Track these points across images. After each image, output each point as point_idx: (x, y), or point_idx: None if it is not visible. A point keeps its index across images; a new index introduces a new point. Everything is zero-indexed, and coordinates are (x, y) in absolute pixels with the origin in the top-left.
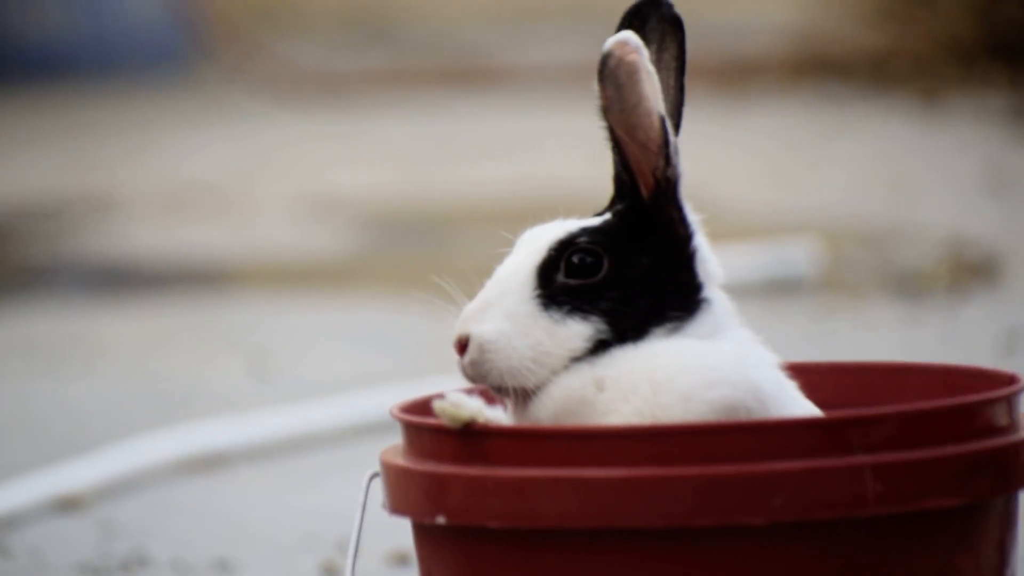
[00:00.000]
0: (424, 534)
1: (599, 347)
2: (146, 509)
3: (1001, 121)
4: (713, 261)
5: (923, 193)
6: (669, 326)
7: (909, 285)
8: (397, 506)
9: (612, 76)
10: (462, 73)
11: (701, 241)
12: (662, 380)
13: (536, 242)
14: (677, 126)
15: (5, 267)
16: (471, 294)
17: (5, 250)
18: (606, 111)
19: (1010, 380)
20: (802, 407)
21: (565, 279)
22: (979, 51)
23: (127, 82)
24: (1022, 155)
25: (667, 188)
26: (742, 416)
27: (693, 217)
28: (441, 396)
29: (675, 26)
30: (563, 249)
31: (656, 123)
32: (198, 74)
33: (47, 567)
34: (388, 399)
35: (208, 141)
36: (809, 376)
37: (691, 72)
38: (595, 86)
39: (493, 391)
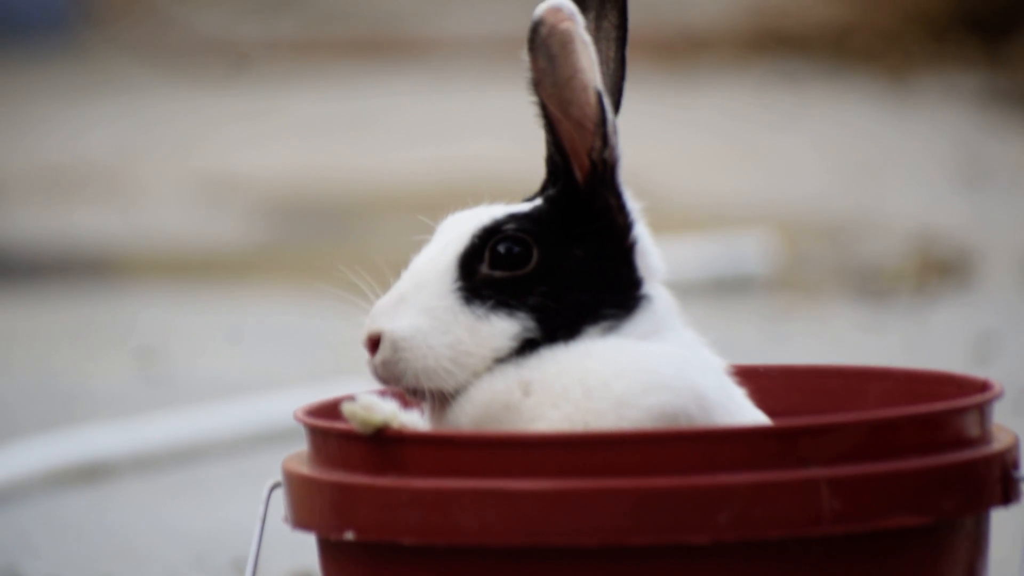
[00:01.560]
0: (331, 552)
1: (526, 347)
2: (19, 524)
3: (975, 102)
4: (655, 254)
5: (888, 182)
6: (604, 325)
7: (872, 284)
8: (301, 520)
9: (544, 46)
10: (377, 44)
11: (642, 231)
12: (595, 384)
13: (458, 229)
14: (616, 104)
15: None
16: (385, 287)
17: None
18: (537, 85)
19: (982, 387)
20: (750, 416)
21: (489, 270)
22: (951, 25)
23: (5, 50)
24: (997, 141)
25: (604, 172)
26: (683, 425)
27: (633, 205)
28: (351, 398)
29: None
30: (488, 237)
31: (592, 99)
32: (85, 42)
33: None
34: (292, 403)
35: (95, 116)
36: (759, 381)
37: (633, 44)
38: (525, 57)
39: (408, 394)
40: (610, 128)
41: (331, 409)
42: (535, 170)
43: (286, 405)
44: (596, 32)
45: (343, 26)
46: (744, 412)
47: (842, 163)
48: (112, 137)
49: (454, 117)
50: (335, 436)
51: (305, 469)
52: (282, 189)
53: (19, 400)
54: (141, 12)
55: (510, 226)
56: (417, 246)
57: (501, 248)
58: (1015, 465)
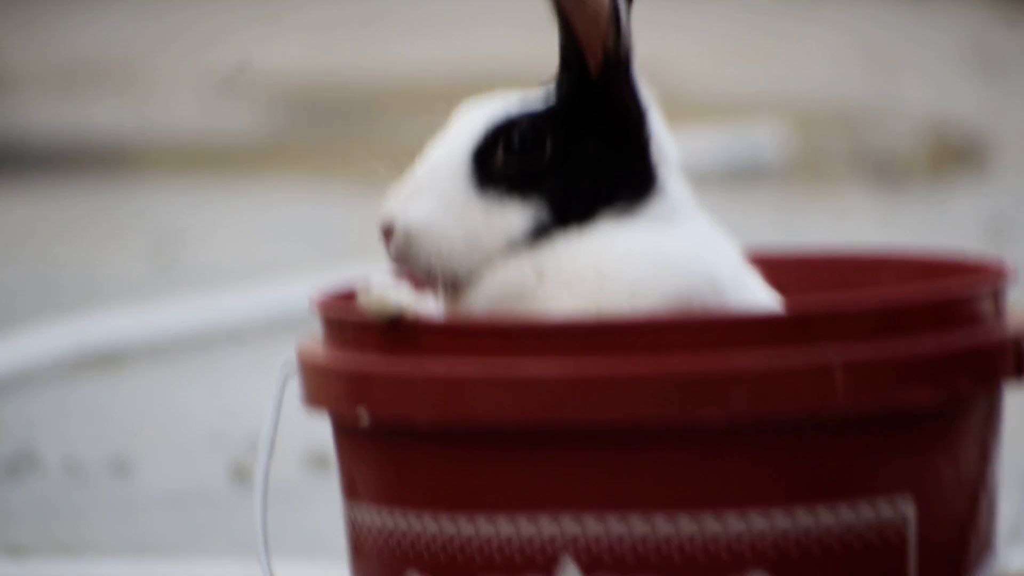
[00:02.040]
0: (345, 434)
1: (540, 234)
2: (36, 407)
3: None
4: (669, 143)
5: (902, 72)
6: (618, 211)
7: (887, 171)
8: (315, 401)
9: None
10: None
11: (655, 121)
12: (609, 269)
13: (473, 119)
14: None
15: None
16: (399, 176)
17: None
18: None
19: (997, 267)
20: (764, 299)
21: (503, 160)
22: None
23: None
24: (1010, 30)
25: (618, 63)
26: (697, 308)
27: (647, 94)
28: (366, 285)
29: None
30: (502, 128)
31: None
32: None
33: None
34: (306, 290)
35: (110, 12)
36: (773, 265)
37: None
38: None
39: (422, 280)
40: (624, 19)
41: (346, 295)
42: (549, 62)
43: (300, 293)
44: None
45: None
46: (757, 296)
47: (857, 53)
48: (127, 31)
49: (468, 10)
50: (350, 324)
51: (320, 352)
52: (297, 82)
53: (35, 289)
54: None
55: (524, 116)
56: (431, 135)
57: (515, 138)
58: None
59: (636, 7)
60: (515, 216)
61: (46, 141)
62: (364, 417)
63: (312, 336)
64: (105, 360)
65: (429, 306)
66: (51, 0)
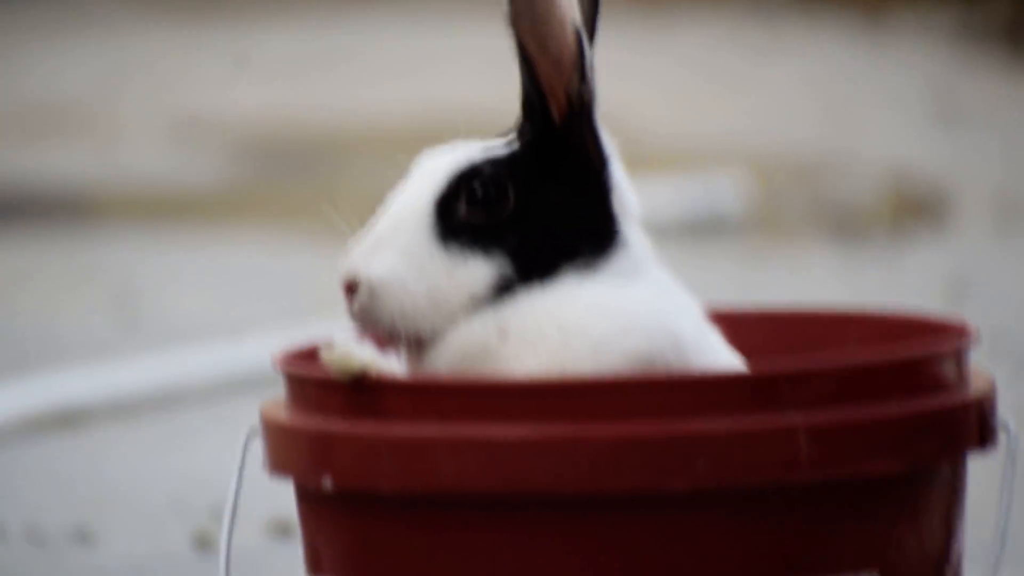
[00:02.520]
0: (308, 499)
1: (503, 289)
2: None
3: (951, 40)
4: (630, 194)
5: (863, 121)
6: (581, 265)
7: (848, 224)
8: (278, 467)
9: None
10: None
11: (617, 171)
12: (573, 328)
13: (434, 169)
14: (591, 39)
15: None
16: (361, 226)
17: None
18: (514, 21)
19: (959, 330)
20: (726, 359)
21: (466, 212)
22: None
23: None
24: (972, 79)
25: (581, 109)
26: (660, 368)
27: (609, 144)
28: (329, 343)
29: None
30: (465, 179)
31: (570, 35)
32: None
33: None
34: (269, 347)
35: (70, 54)
36: (735, 324)
37: None
38: None
39: (385, 338)
40: (588, 65)
41: (309, 353)
42: (510, 108)
43: (262, 350)
44: None
45: None
46: (720, 355)
47: (817, 101)
48: (87, 76)
49: (429, 54)
50: (313, 383)
51: (283, 415)
52: (258, 128)
53: None
54: None
55: (487, 167)
56: (393, 184)
57: (478, 190)
58: (992, 409)
59: (596, 53)
60: (478, 271)
61: (4, 186)
62: (328, 483)
63: (275, 397)
64: (65, 419)
65: (392, 365)
66: (8, 40)
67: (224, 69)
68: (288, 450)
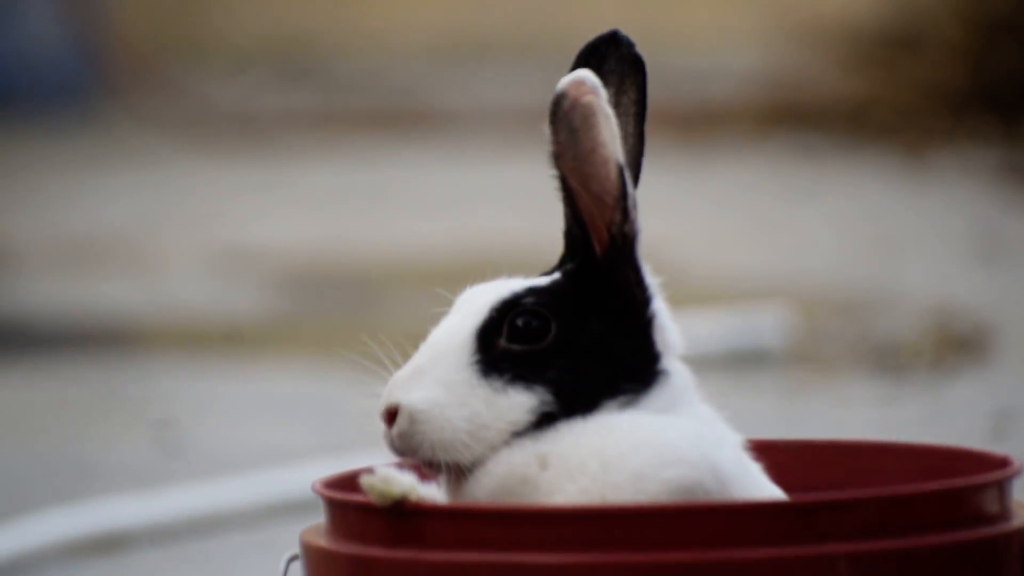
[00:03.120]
0: None
1: (544, 420)
2: None
3: (993, 179)
4: (672, 329)
5: (906, 258)
6: (622, 399)
7: (890, 359)
8: None
9: (566, 119)
10: (395, 115)
11: (660, 306)
12: (613, 457)
13: (476, 302)
14: (636, 177)
15: None
16: (403, 360)
17: None
18: (558, 158)
19: (1002, 463)
20: (767, 491)
21: (508, 344)
22: (969, 101)
23: (22, 118)
24: (1015, 217)
25: (623, 245)
26: (700, 499)
27: (651, 279)
28: (369, 471)
29: (636, 67)
30: (506, 311)
31: (613, 172)
32: (102, 111)
33: None
34: (309, 475)
35: (113, 187)
36: (777, 456)
37: (652, 118)
38: (545, 130)
39: (425, 467)
40: (630, 202)
41: (349, 481)
42: (553, 244)
43: (304, 477)
44: (617, 106)
45: (360, 97)
46: (761, 487)
47: (859, 238)
48: (130, 209)
49: (471, 189)
50: (353, 508)
51: (323, 541)
52: (299, 260)
53: (38, 472)
54: (159, 83)
55: (528, 300)
56: (435, 318)
57: (519, 322)
58: None
59: (640, 190)
60: (519, 402)
61: (47, 319)
62: None
63: (316, 524)
64: (106, 546)
65: (432, 492)
66: (53, 174)
67: (265, 202)
68: (328, 575)
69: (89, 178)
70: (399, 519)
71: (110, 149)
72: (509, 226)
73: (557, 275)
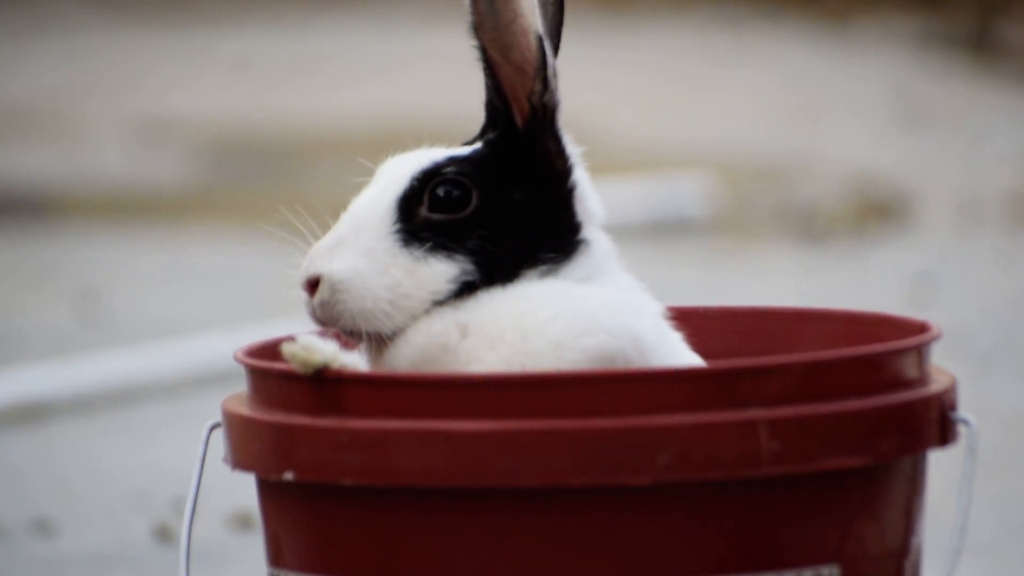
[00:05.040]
0: (270, 493)
1: (464, 289)
2: None
3: (913, 46)
4: (594, 199)
5: (827, 125)
6: (542, 268)
7: (811, 226)
8: (240, 461)
9: None
10: None
11: (581, 176)
12: (532, 326)
13: (397, 172)
14: (556, 47)
15: None
16: (324, 229)
17: None
18: (478, 28)
19: (920, 328)
20: (687, 359)
21: (428, 213)
22: None
23: None
24: (935, 84)
25: (544, 116)
26: (621, 367)
27: (573, 149)
28: (291, 339)
29: None
30: (427, 180)
31: (533, 42)
32: None
33: None
34: (231, 344)
35: (31, 55)
36: (698, 322)
37: None
38: (465, 1)
39: (346, 335)
40: (550, 72)
41: (271, 350)
42: (475, 115)
43: (224, 347)
44: None
45: None
46: (681, 355)
47: (781, 106)
48: (50, 78)
49: (394, 59)
50: (275, 376)
51: (245, 409)
52: (221, 129)
53: None
54: None
55: (450, 169)
56: (356, 188)
57: (440, 191)
58: (952, 406)
59: (560, 60)
60: (440, 271)
61: None
62: (289, 477)
63: (237, 392)
64: (27, 414)
65: (354, 360)
66: None
67: (187, 70)
68: (250, 444)
69: (7, 47)
70: (321, 387)
71: (30, 17)
72: (431, 96)
73: (479, 145)
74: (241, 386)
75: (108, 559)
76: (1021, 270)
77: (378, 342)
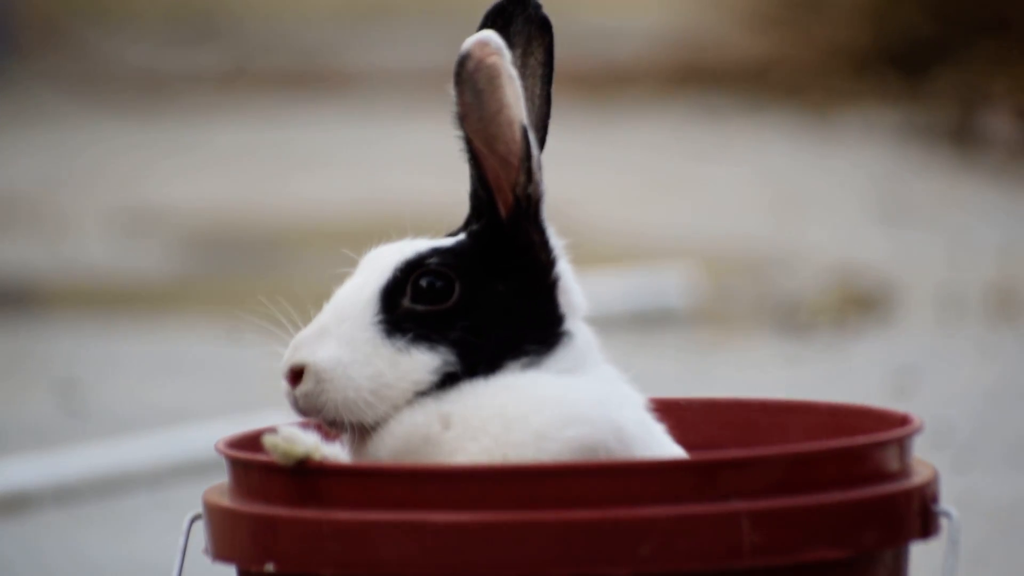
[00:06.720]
0: None
1: (447, 380)
2: None
3: (895, 139)
4: (576, 291)
5: (810, 217)
6: (525, 360)
7: (793, 318)
8: (221, 552)
9: (470, 80)
10: (302, 76)
11: (564, 268)
12: (514, 417)
13: (381, 262)
14: (542, 139)
15: None
16: (306, 319)
17: None
18: (463, 119)
19: (902, 421)
20: (670, 450)
21: (411, 304)
22: (872, 61)
23: None
24: (917, 176)
25: (528, 207)
26: (602, 458)
27: (556, 241)
28: (272, 430)
29: (543, 28)
30: (410, 271)
31: (518, 134)
32: (8, 70)
33: None
34: (213, 434)
35: (17, 146)
36: (680, 414)
37: (558, 79)
38: (451, 91)
39: (328, 426)
40: (535, 164)
41: (252, 441)
42: (459, 204)
43: (207, 437)
44: (523, 67)
45: (266, 58)
46: (663, 447)
47: (763, 198)
48: (34, 168)
49: (377, 151)
50: (256, 468)
51: (226, 501)
52: (205, 220)
53: None
54: (64, 42)
55: (433, 260)
56: (340, 278)
57: (423, 282)
58: (934, 499)
59: (545, 151)
60: (422, 362)
61: None
62: (271, 568)
63: (219, 484)
64: (10, 505)
65: (336, 451)
66: None
67: (170, 162)
68: (231, 535)
69: None
70: (302, 478)
71: (15, 108)
72: (415, 187)
73: (462, 236)
74: (223, 477)
75: None
76: (1002, 363)
77: (360, 432)
